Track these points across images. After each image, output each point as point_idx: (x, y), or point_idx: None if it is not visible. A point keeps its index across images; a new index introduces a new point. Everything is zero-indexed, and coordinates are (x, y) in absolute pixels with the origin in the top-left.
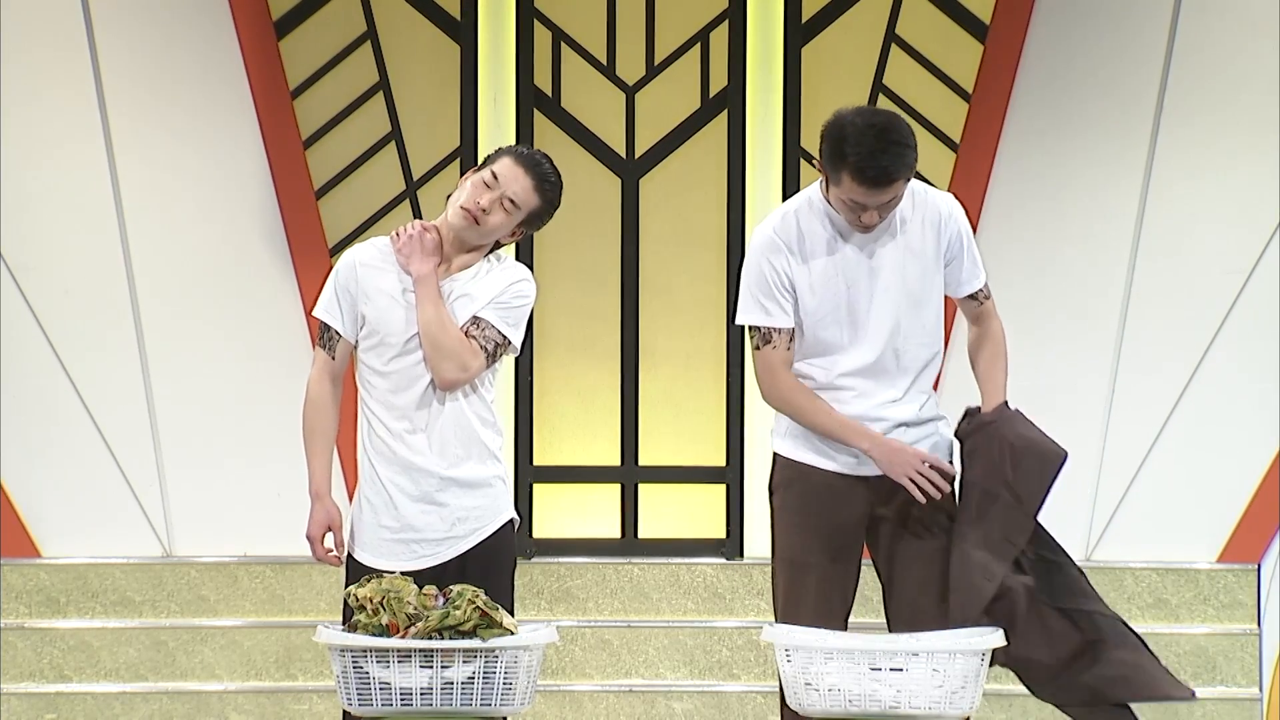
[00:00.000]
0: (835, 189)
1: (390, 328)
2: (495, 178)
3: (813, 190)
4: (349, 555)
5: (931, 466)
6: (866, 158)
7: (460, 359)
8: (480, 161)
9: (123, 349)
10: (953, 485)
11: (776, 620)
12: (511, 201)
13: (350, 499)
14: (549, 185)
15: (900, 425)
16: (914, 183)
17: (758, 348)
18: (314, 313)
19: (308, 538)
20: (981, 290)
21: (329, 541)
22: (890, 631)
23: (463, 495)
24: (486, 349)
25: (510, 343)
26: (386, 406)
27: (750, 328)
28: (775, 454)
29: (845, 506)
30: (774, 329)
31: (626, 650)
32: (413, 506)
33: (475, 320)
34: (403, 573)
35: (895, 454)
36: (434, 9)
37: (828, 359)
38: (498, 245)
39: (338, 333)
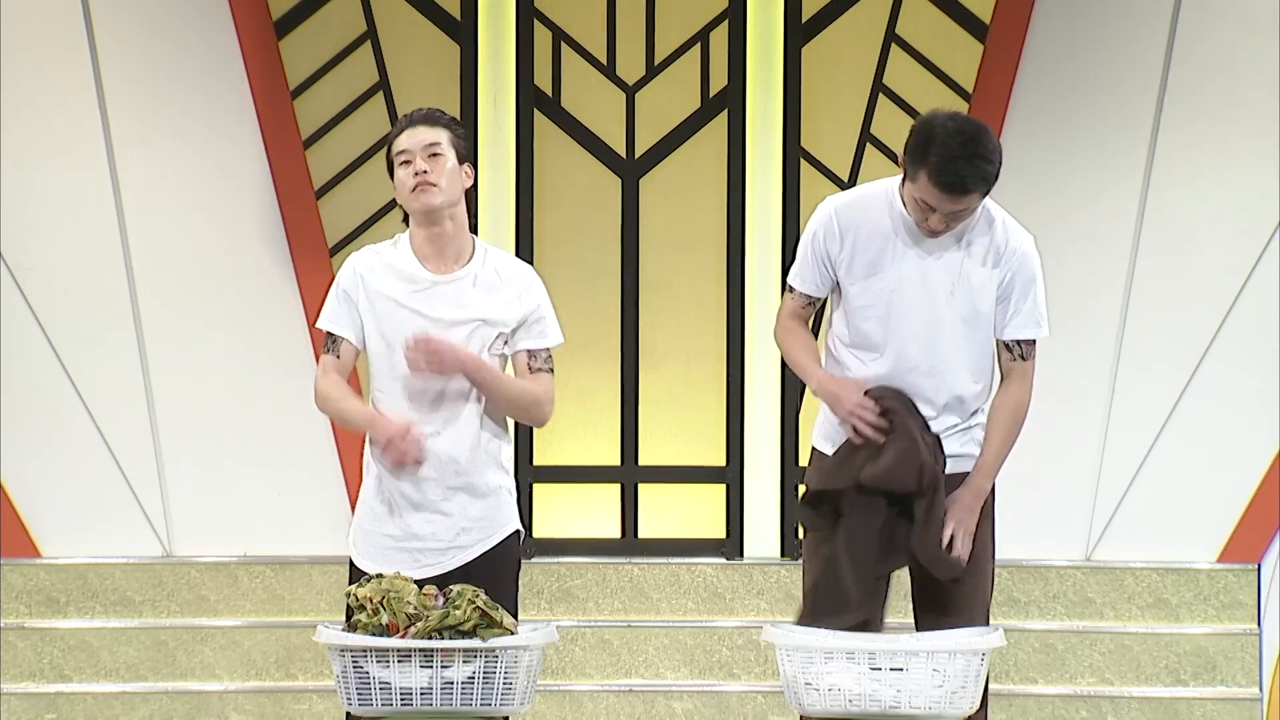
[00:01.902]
0: (911, 185)
1: (396, 334)
2: (405, 151)
3: (894, 182)
4: (351, 562)
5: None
6: (947, 162)
7: (542, 407)
8: (388, 158)
9: (123, 349)
10: (992, 517)
11: (804, 616)
12: (431, 148)
13: (351, 504)
14: (437, 113)
15: None
16: (1000, 212)
17: (785, 291)
18: (318, 324)
19: (387, 440)
20: (1021, 345)
21: (405, 443)
22: (917, 628)
23: (468, 504)
24: (550, 368)
25: (559, 341)
26: (403, 407)
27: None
28: (812, 448)
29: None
30: (796, 289)
31: (626, 650)
32: (416, 515)
33: (531, 354)
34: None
35: (835, 397)
36: (434, 9)
37: (865, 353)
38: (473, 217)
39: (343, 339)
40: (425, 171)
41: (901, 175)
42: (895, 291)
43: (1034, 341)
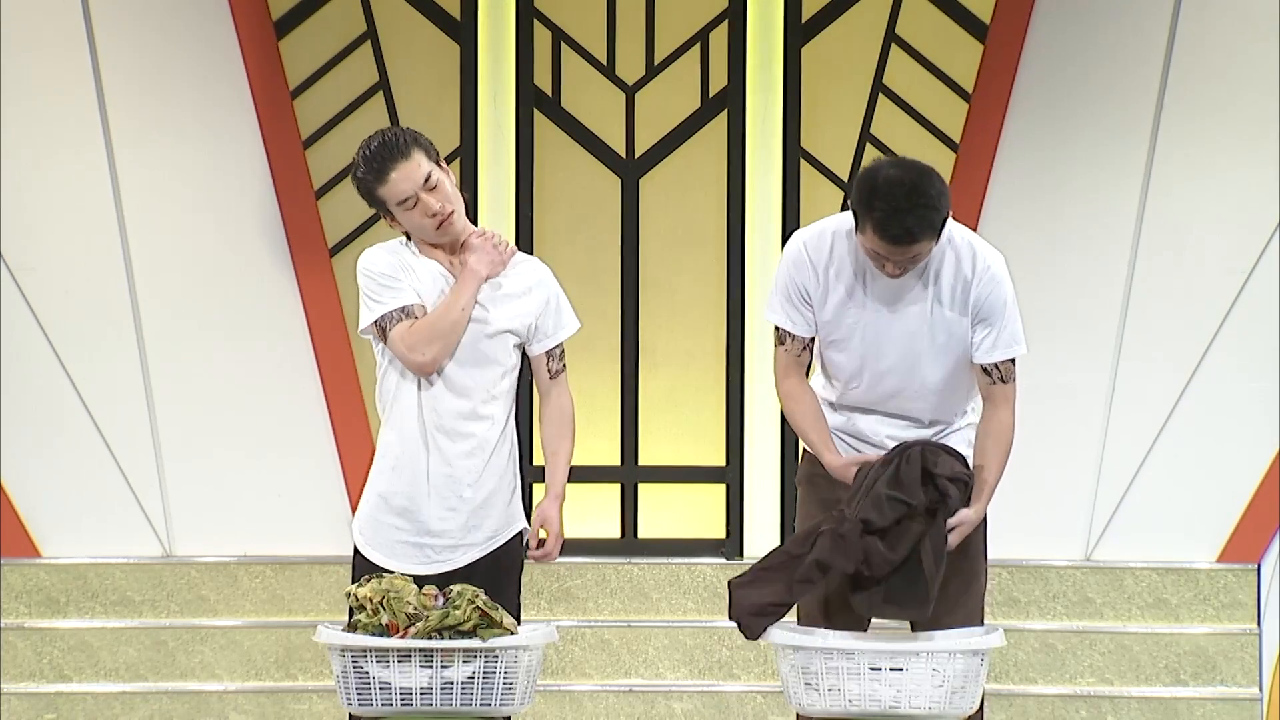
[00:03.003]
0: (860, 236)
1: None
2: (408, 199)
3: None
4: (357, 553)
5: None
6: (891, 215)
7: (573, 421)
8: (373, 199)
9: (123, 349)
10: (985, 517)
11: (798, 616)
12: (428, 181)
13: (351, 504)
14: (404, 141)
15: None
16: (964, 235)
17: (776, 343)
18: (369, 324)
19: (481, 250)
20: (999, 367)
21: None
22: (913, 629)
23: (479, 503)
24: (564, 364)
25: (576, 327)
26: (418, 401)
27: (773, 325)
28: (802, 449)
29: None
30: (787, 332)
31: (626, 650)
32: (428, 511)
33: (549, 355)
34: (413, 577)
35: (846, 475)
36: (434, 9)
37: (839, 383)
38: (474, 218)
39: (413, 305)
40: (444, 205)
41: (854, 222)
42: (869, 326)
43: (1013, 361)
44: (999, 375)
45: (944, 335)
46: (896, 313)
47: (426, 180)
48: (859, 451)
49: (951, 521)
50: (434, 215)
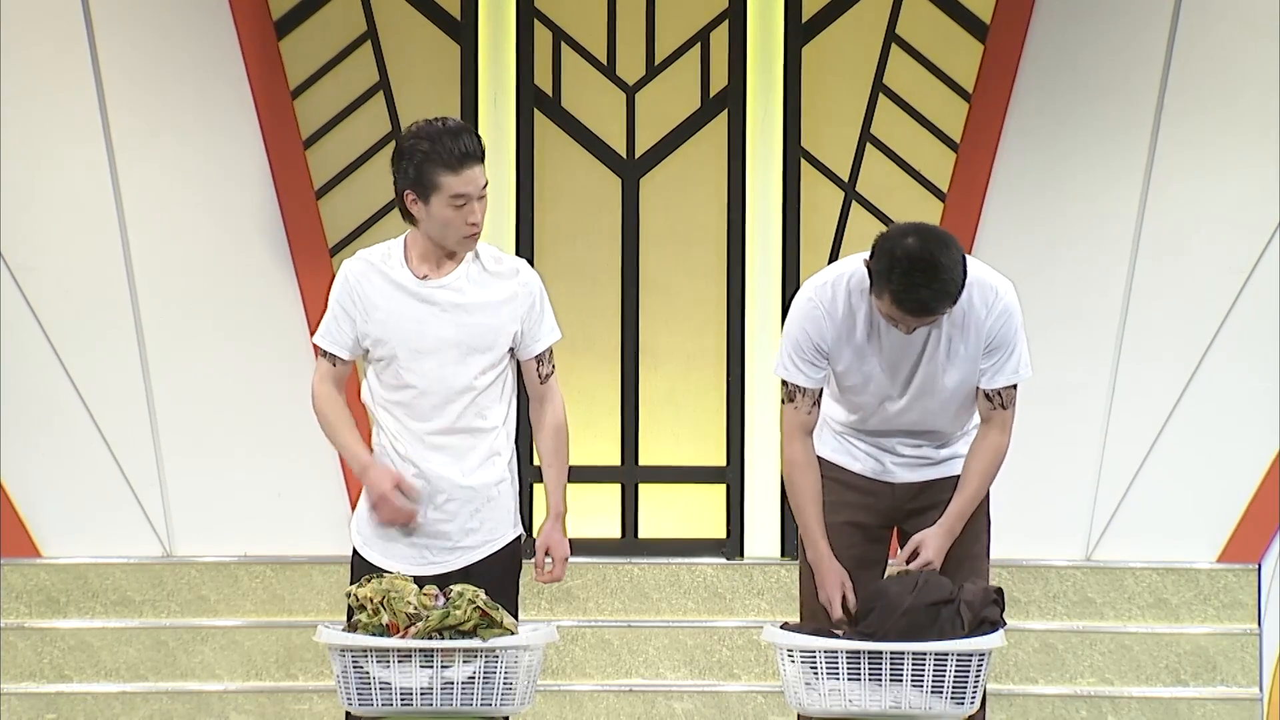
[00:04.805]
0: (878, 301)
1: (399, 337)
2: (463, 196)
3: (861, 261)
4: (355, 553)
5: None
6: (909, 289)
7: (566, 426)
8: (421, 178)
9: (123, 349)
10: (988, 517)
11: (801, 615)
12: (483, 190)
13: (352, 503)
14: (478, 144)
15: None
16: (974, 271)
17: (784, 401)
18: (315, 340)
19: (380, 497)
20: (1001, 394)
21: (400, 501)
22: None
23: (477, 507)
24: (554, 367)
25: (559, 336)
26: (409, 411)
27: (780, 380)
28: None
29: (870, 505)
30: (798, 388)
31: (626, 650)
32: (428, 514)
33: (539, 360)
34: (412, 578)
35: (820, 581)
36: (434, 9)
37: (853, 415)
38: None
39: (340, 358)
40: (480, 220)
41: (869, 282)
42: (884, 369)
43: (1015, 386)
44: (1000, 401)
45: (957, 372)
46: (911, 357)
47: (483, 189)
48: (869, 457)
49: (923, 552)
50: (473, 224)
